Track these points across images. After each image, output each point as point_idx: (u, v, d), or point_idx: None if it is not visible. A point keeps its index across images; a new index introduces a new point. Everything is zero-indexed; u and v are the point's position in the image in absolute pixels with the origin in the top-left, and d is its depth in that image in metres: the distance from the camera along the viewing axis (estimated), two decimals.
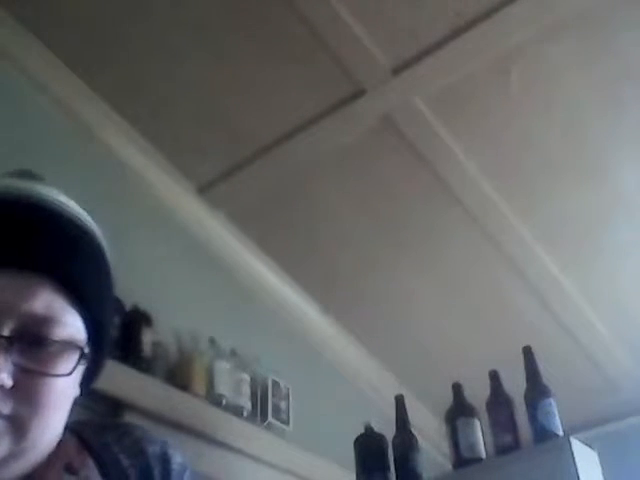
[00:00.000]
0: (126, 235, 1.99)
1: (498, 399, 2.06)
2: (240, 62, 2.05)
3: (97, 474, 0.76)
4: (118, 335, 1.80)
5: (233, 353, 2.20)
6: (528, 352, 2.08)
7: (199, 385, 2.01)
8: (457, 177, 2.33)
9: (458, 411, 2.12)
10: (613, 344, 2.94)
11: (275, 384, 2.29)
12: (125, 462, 0.78)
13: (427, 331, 2.84)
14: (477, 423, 2.09)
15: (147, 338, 1.89)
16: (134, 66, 2.05)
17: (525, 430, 1.98)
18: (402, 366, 2.97)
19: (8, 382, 0.65)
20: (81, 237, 0.73)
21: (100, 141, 2.12)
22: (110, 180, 2.10)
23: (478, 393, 2.09)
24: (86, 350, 0.71)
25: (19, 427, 0.66)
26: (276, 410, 2.26)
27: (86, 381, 0.76)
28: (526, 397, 2.01)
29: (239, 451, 2.07)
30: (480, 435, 2.08)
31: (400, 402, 2.25)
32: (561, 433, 1.94)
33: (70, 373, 0.69)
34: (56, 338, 0.68)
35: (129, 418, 1.74)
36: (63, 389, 0.70)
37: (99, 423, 0.89)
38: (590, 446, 1.94)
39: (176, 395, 1.92)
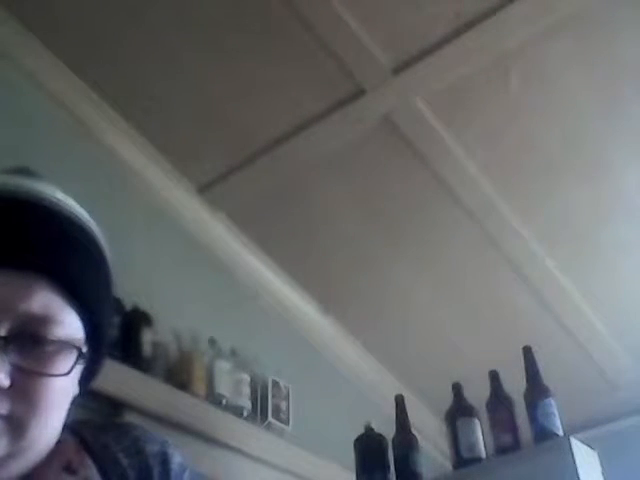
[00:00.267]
0: (126, 235, 1.99)
1: (498, 399, 2.06)
2: (240, 62, 2.05)
3: (96, 474, 0.75)
4: (118, 335, 1.80)
5: (233, 353, 2.20)
6: (528, 352, 2.08)
7: (199, 385, 2.00)
8: (457, 177, 2.33)
9: (458, 411, 2.12)
10: (613, 344, 2.94)
11: (275, 384, 2.29)
12: (124, 462, 0.78)
13: (427, 331, 2.84)
14: (477, 423, 2.09)
15: (147, 338, 1.89)
16: (134, 66, 2.05)
17: (525, 430, 1.98)
18: (402, 366, 2.97)
19: (5, 382, 0.64)
20: (79, 235, 0.73)
21: (100, 141, 2.12)
22: (110, 180, 2.10)
23: (478, 393, 2.09)
24: (84, 349, 0.71)
25: (17, 427, 0.66)
26: (276, 410, 2.26)
27: (85, 380, 0.76)
28: (526, 397, 2.01)
29: (239, 451, 2.07)
30: (480, 435, 2.08)
31: (400, 402, 2.25)
32: (561, 433, 1.94)
33: (68, 373, 0.69)
34: (54, 338, 0.68)
35: (129, 418, 1.74)
36: (61, 389, 0.69)
37: (98, 423, 0.89)
38: (590, 446, 1.93)
39: (176, 395, 1.92)
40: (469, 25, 1.95)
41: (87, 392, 0.77)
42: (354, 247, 2.56)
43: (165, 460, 0.81)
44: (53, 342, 0.68)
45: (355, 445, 2.19)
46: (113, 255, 0.78)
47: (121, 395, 1.74)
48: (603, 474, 1.93)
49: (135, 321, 1.88)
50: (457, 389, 2.17)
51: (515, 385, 2.02)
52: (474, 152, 2.28)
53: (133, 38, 1.98)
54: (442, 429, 2.33)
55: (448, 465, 2.22)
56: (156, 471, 0.80)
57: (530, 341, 2.12)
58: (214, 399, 2.04)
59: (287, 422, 2.29)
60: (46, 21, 1.93)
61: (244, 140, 2.26)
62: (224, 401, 2.07)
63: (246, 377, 2.18)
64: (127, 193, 2.16)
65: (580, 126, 2.22)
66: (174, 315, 2.09)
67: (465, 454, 2.05)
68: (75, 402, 0.74)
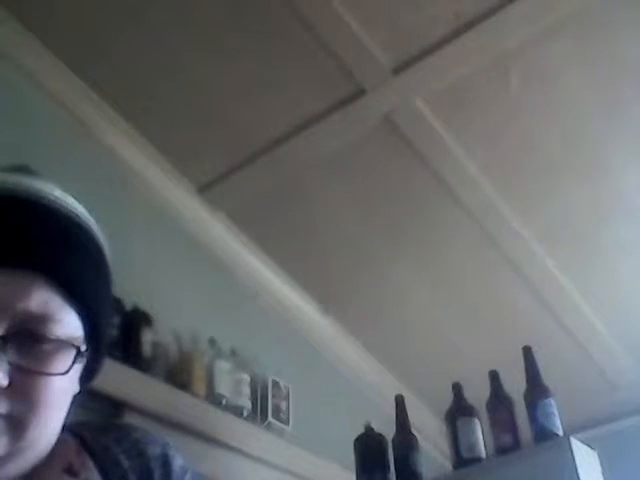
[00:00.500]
0: (126, 235, 1.99)
1: (498, 399, 2.06)
2: (241, 62, 2.05)
3: (97, 476, 0.75)
4: (118, 335, 1.80)
5: (233, 353, 2.20)
6: (528, 352, 2.08)
7: (199, 385, 2.01)
8: (457, 177, 2.33)
9: (458, 411, 2.12)
10: (613, 344, 2.94)
11: (275, 384, 2.29)
12: (125, 464, 0.78)
13: (427, 331, 2.84)
14: (477, 423, 2.09)
15: (147, 338, 1.89)
16: (134, 66, 2.05)
17: (525, 430, 1.98)
18: (402, 366, 2.97)
19: (4, 381, 0.64)
20: (78, 233, 0.72)
21: (100, 141, 2.12)
22: (110, 180, 2.10)
23: (478, 393, 2.09)
24: (83, 348, 0.71)
25: (17, 426, 0.66)
26: (276, 410, 2.26)
27: (85, 379, 0.75)
28: (526, 397, 2.01)
29: (239, 451, 2.07)
30: (480, 435, 2.08)
31: (400, 402, 2.25)
32: (561, 433, 1.94)
33: (67, 371, 0.68)
34: (52, 336, 0.67)
35: (129, 418, 1.74)
36: (60, 387, 0.69)
37: (99, 424, 0.89)
38: (590, 446, 1.93)
39: (176, 395, 1.92)
40: (469, 25, 1.95)
41: (87, 391, 0.77)
42: (354, 247, 2.55)
43: (166, 462, 0.81)
44: (52, 341, 0.68)
45: (355, 445, 2.19)
46: (113, 255, 0.77)
47: (121, 395, 1.74)
48: (603, 474, 1.93)
49: (135, 321, 1.88)
50: (457, 389, 2.17)
51: (515, 385, 2.02)
52: (474, 152, 2.28)
53: (133, 38, 1.98)
54: (442, 429, 2.33)
55: (448, 465, 2.22)
56: (157, 473, 0.79)
57: (530, 341, 2.12)
58: (214, 399, 2.04)
59: (287, 422, 2.29)
60: (46, 21, 1.93)
61: (244, 140, 2.26)
62: (224, 401, 2.07)
63: (246, 377, 2.18)
64: (127, 193, 2.16)
65: (580, 126, 2.22)
66: (174, 315, 2.09)
67: (465, 454, 2.05)
68: (75, 401, 0.74)
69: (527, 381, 2.03)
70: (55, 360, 0.68)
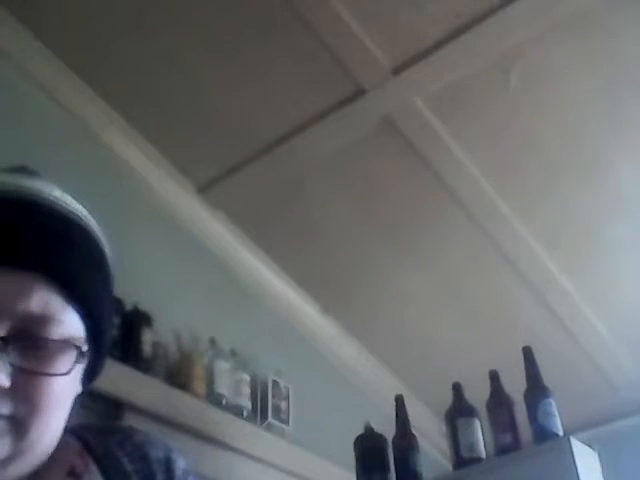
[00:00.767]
0: (126, 235, 1.99)
1: (498, 399, 2.06)
2: (240, 62, 2.05)
3: (100, 479, 0.75)
4: (118, 335, 1.80)
5: (233, 353, 2.20)
6: (528, 352, 2.08)
7: (199, 385, 2.01)
8: (457, 177, 2.33)
9: (458, 411, 2.12)
10: (613, 344, 2.94)
11: (275, 384, 2.29)
12: (128, 467, 0.78)
13: (427, 331, 2.84)
14: (477, 423, 2.09)
15: (147, 338, 1.89)
16: (134, 66, 2.05)
17: (525, 430, 1.98)
18: (402, 366, 2.97)
19: (5, 383, 0.64)
20: (78, 233, 0.72)
21: (100, 141, 2.12)
22: (110, 180, 2.10)
23: (478, 393, 2.09)
24: (84, 348, 0.71)
25: (19, 427, 0.66)
26: (276, 410, 2.26)
27: (86, 379, 0.75)
28: (526, 397, 2.01)
29: (239, 451, 2.07)
30: (480, 435, 2.08)
31: (400, 402, 2.25)
32: (561, 433, 1.94)
33: (68, 372, 0.68)
34: (53, 337, 0.67)
35: (129, 418, 1.74)
36: (62, 388, 0.69)
37: (101, 427, 0.89)
38: (590, 446, 1.93)
39: (176, 395, 1.92)
40: (469, 25, 1.95)
41: (87, 391, 0.77)
42: (353, 246, 2.55)
43: (169, 466, 0.81)
44: (53, 342, 0.67)
45: (355, 445, 2.19)
46: (113, 253, 0.77)
47: (121, 395, 1.74)
48: (603, 474, 1.93)
49: (135, 321, 1.88)
50: (457, 389, 2.17)
51: (515, 385, 2.02)
52: (474, 152, 2.27)
53: (133, 38, 1.97)
54: (442, 429, 2.33)
55: (448, 465, 2.22)
56: (160, 477, 0.79)
57: (530, 341, 2.12)
58: (214, 399, 2.04)
59: (287, 422, 2.29)
60: (46, 21, 1.93)
61: (244, 140, 2.26)
62: (224, 401, 2.07)
63: (246, 377, 2.18)
64: (127, 193, 2.16)
65: (580, 126, 2.22)
66: (174, 315, 2.09)
67: (465, 454, 2.05)
68: (77, 402, 0.74)
69: (527, 381, 2.03)
70: (57, 361, 0.68)
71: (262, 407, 2.23)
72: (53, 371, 0.67)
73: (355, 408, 2.64)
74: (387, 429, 2.19)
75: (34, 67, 1.96)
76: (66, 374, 0.68)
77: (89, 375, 0.76)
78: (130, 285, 1.81)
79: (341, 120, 2.17)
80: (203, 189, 2.37)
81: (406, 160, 2.29)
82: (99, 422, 1.56)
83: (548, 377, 2.04)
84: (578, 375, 2.96)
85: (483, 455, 2.06)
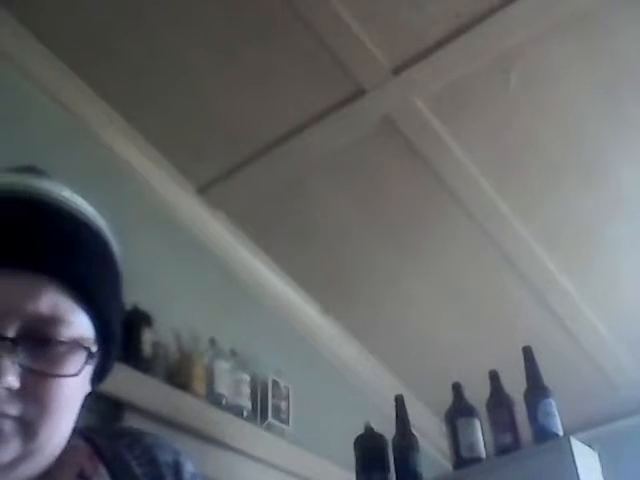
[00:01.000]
0: (126, 235, 1.98)
1: (498, 399, 2.06)
2: (240, 62, 2.05)
3: None
4: None
5: (233, 353, 2.20)
6: (528, 352, 2.08)
7: (199, 385, 2.00)
8: (457, 177, 2.33)
9: (458, 411, 2.12)
10: (613, 344, 2.94)
11: (275, 384, 2.29)
12: (137, 471, 0.77)
13: (427, 331, 2.84)
14: (477, 423, 2.09)
15: (147, 338, 1.89)
16: (134, 66, 2.04)
17: (525, 430, 1.98)
18: (402, 366, 2.97)
19: (15, 384, 0.64)
20: (87, 234, 0.72)
21: (100, 141, 2.12)
22: (110, 180, 2.09)
23: (478, 393, 2.09)
24: (93, 349, 0.70)
25: (28, 428, 0.65)
26: (276, 410, 2.26)
27: (95, 380, 0.75)
28: (526, 397, 2.01)
29: (239, 451, 2.07)
30: (480, 435, 2.08)
31: (400, 402, 2.25)
32: (561, 433, 1.94)
33: (78, 373, 0.68)
34: (63, 338, 0.67)
35: (129, 418, 1.74)
36: (71, 389, 0.69)
37: (110, 430, 0.88)
38: (590, 446, 1.93)
39: (176, 395, 1.92)
40: (469, 25, 1.95)
41: (93, 392, 0.77)
42: (353, 247, 2.55)
43: (178, 470, 0.81)
44: (62, 343, 0.67)
45: (355, 445, 2.19)
46: (122, 255, 0.77)
47: (121, 395, 1.73)
48: (603, 474, 1.93)
49: (135, 321, 1.88)
50: (457, 389, 2.17)
51: (515, 385, 2.02)
52: (474, 152, 2.27)
53: (133, 38, 1.98)
54: (442, 429, 2.33)
55: (448, 465, 2.22)
56: None
57: (530, 341, 2.12)
58: (214, 399, 2.04)
59: (287, 422, 2.29)
60: (47, 21, 1.93)
61: (244, 140, 2.25)
62: (224, 401, 2.07)
63: (246, 377, 2.18)
64: (127, 193, 2.15)
65: (580, 126, 2.22)
66: (174, 315, 2.09)
67: (465, 454, 2.05)
68: (85, 402, 0.74)
69: (527, 381, 2.03)
70: (66, 362, 0.68)
71: (262, 407, 2.23)
72: (62, 372, 0.67)
73: (355, 408, 2.64)
74: (387, 429, 2.19)
75: (34, 67, 1.96)
76: (75, 375, 0.68)
77: (98, 375, 0.76)
78: (130, 285, 1.81)
79: (341, 120, 2.17)
80: (203, 189, 2.37)
81: (406, 160, 2.29)
82: (107, 425, 1.56)
83: (548, 377, 2.04)
84: (578, 375, 2.96)
85: (483, 455, 2.06)
